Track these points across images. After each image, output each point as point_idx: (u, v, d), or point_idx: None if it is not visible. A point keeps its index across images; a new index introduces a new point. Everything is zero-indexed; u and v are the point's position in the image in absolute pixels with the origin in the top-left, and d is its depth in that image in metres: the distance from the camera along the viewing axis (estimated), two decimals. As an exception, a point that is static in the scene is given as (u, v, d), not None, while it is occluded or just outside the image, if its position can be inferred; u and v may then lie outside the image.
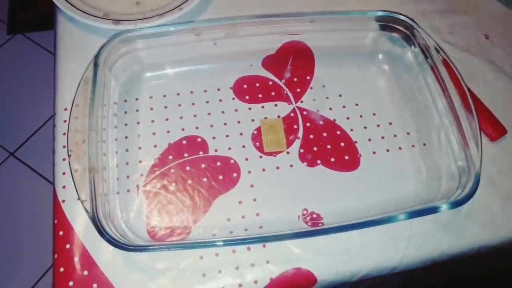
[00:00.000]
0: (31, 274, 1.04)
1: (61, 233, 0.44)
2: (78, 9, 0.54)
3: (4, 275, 1.05)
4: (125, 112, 0.50)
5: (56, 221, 0.45)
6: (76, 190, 0.40)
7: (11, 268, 1.05)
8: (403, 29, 0.51)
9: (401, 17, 0.51)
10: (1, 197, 1.14)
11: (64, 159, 0.47)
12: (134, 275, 0.42)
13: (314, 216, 0.46)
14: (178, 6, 0.55)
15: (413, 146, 0.50)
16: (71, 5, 0.54)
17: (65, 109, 0.50)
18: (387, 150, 0.50)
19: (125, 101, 0.51)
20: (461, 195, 0.42)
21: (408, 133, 0.51)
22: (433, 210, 0.41)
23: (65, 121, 0.49)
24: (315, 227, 0.45)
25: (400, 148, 0.50)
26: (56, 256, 0.44)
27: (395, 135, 0.51)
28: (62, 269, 0.42)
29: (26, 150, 1.20)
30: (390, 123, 0.51)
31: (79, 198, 0.40)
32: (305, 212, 0.46)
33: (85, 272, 0.42)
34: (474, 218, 0.46)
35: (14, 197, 1.14)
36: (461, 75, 0.50)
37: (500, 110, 0.52)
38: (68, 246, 0.44)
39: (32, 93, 1.27)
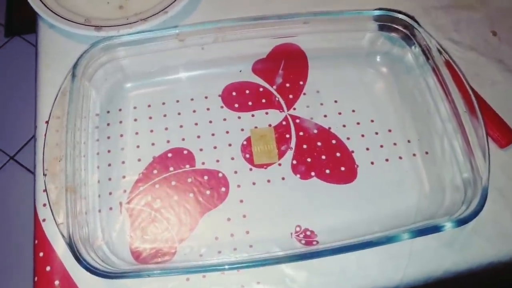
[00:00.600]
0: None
1: (41, 254, 0.42)
2: (59, 15, 0.51)
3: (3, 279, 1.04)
4: (108, 124, 0.48)
5: (36, 242, 0.43)
6: (52, 213, 0.38)
7: (11, 270, 1.05)
8: (402, 29, 0.48)
9: (400, 16, 0.47)
10: (1, 201, 1.13)
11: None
12: (117, 299, 0.40)
13: (308, 233, 0.43)
14: (163, 9, 0.52)
15: (414, 155, 0.47)
16: (51, 11, 0.52)
17: (46, 122, 0.47)
18: (387, 160, 0.46)
19: (108, 112, 0.48)
20: (466, 211, 0.38)
21: (409, 141, 0.47)
22: (437, 229, 0.38)
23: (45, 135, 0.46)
24: (309, 246, 0.42)
25: (400, 158, 0.46)
26: (36, 278, 0.42)
27: (395, 144, 0.47)
28: (42, 293, 0.40)
29: (26, 153, 1.19)
30: (390, 130, 0.48)
31: (55, 221, 0.37)
32: (298, 229, 0.43)
33: (66, 296, 0.40)
34: (482, 233, 0.43)
35: (14, 201, 1.13)
36: (466, 77, 0.46)
37: (510, 114, 0.48)
38: (48, 268, 0.41)
39: (31, 95, 1.25)
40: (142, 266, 0.41)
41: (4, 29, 1.36)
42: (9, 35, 1.35)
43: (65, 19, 0.51)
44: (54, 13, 0.51)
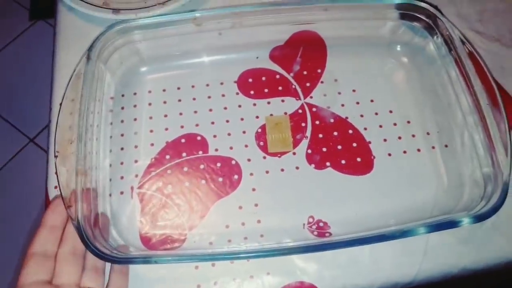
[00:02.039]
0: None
1: (51, 236, 0.42)
2: (77, -3, 0.51)
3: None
4: (122, 108, 0.47)
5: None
6: (62, 196, 0.37)
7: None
8: (424, 18, 0.46)
9: (423, 5, 0.45)
10: (23, 182, 1.15)
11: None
12: (125, 283, 0.40)
13: (321, 224, 0.42)
14: (182, -7, 0.51)
15: (433, 147, 0.45)
16: (70, -8, 0.51)
17: (60, 104, 0.47)
18: (404, 152, 0.45)
19: (123, 95, 0.48)
20: (485, 207, 0.37)
21: (428, 133, 0.46)
22: (454, 224, 0.36)
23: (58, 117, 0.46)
24: (321, 238, 0.41)
25: (418, 150, 0.45)
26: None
27: (413, 135, 0.46)
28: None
29: (46, 136, 1.20)
30: (408, 122, 0.46)
31: (64, 204, 0.37)
32: (311, 220, 0.42)
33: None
34: (501, 230, 0.42)
35: (35, 182, 1.14)
36: (490, 69, 0.44)
37: (534, 108, 0.46)
38: (58, 250, 0.41)
39: (52, 72, 1.27)
40: (150, 252, 0.40)
41: (28, 12, 1.37)
42: (33, 18, 1.36)
43: (83, 1, 0.51)
44: (73, -5, 0.51)
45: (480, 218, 0.36)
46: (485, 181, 0.40)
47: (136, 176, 0.44)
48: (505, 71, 0.48)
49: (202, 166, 0.45)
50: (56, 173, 0.39)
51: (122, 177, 0.44)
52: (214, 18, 0.46)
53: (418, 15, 0.47)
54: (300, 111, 0.47)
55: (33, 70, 1.29)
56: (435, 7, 0.48)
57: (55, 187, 0.44)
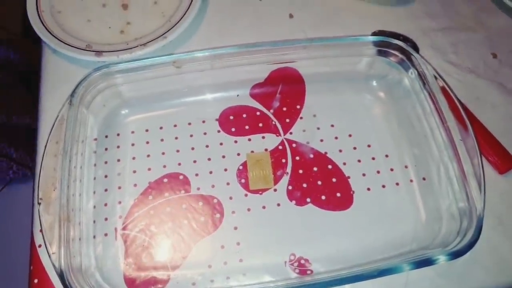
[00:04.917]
0: None
1: (36, 280, 0.42)
2: (61, 40, 0.52)
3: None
4: (106, 149, 0.48)
5: (32, 267, 0.43)
6: (44, 242, 0.38)
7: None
8: (399, 54, 0.47)
9: (397, 42, 0.47)
10: (8, 217, 1.14)
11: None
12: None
13: (302, 262, 0.42)
14: (162, 34, 0.52)
15: (411, 181, 0.46)
16: (54, 36, 0.53)
17: (45, 147, 0.48)
18: (383, 186, 0.46)
19: (106, 137, 0.49)
20: (461, 243, 0.38)
21: (406, 166, 0.47)
22: (430, 262, 0.37)
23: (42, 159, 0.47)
24: (303, 275, 0.42)
25: (397, 184, 0.46)
26: (31, 305, 0.42)
27: (391, 169, 0.47)
28: (34, 321, 0.40)
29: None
30: (387, 156, 0.47)
31: (48, 251, 0.38)
32: (292, 257, 0.43)
33: (59, 326, 0.40)
34: (480, 262, 0.42)
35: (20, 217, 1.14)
36: (465, 100, 0.46)
37: (510, 139, 0.47)
38: (43, 295, 0.42)
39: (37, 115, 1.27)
40: (134, 295, 0.41)
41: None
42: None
43: (67, 44, 0.52)
44: (56, 38, 0.52)
45: (456, 254, 0.37)
46: (461, 216, 0.41)
47: (120, 217, 0.45)
48: (480, 102, 0.50)
49: (184, 206, 0.45)
50: (39, 220, 0.40)
51: (106, 219, 0.45)
52: (194, 60, 0.47)
53: (393, 51, 0.48)
54: (280, 147, 0.48)
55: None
56: (410, 41, 0.50)
57: (40, 231, 0.44)
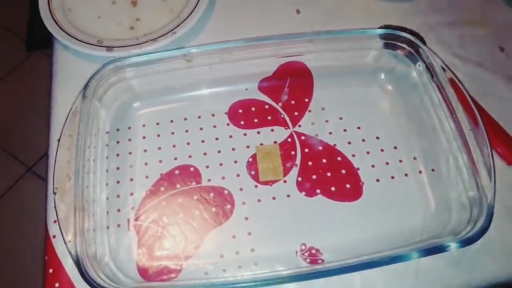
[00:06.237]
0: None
1: (50, 270, 0.43)
2: (72, 37, 0.53)
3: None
4: (117, 142, 0.49)
5: (46, 258, 0.44)
6: (61, 231, 0.38)
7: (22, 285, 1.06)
8: (406, 47, 0.48)
9: (405, 34, 0.47)
10: (20, 211, 1.15)
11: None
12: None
13: (313, 251, 0.43)
14: (172, 30, 0.53)
15: (420, 172, 0.46)
16: (65, 32, 0.53)
17: (58, 140, 0.49)
18: (392, 177, 0.46)
19: (118, 130, 0.50)
20: (472, 231, 0.38)
21: (414, 158, 0.47)
22: (442, 249, 0.37)
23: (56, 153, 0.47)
24: (314, 265, 0.42)
25: (406, 175, 0.46)
26: (45, 295, 0.42)
27: (400, 161, 0.47)
28: (50, 309, 0.41)
29: (44, 165, 1.22)
30: (395, 147, 0.48)
31: (64, 239, 0.38)
32: (303, 247, 0.43)
33: (74, 314, 0.40)
34: (490, 252, 0.42)
35: (32, 211, 1.15)
36: (473, 93, 0.46)
37: (518, 130, 0.47)
38: (57, 284, 0.42)
39: (50, 109, 1.29)
40: (147, 284, 0.41)
41: (26, 43, 1.40)
42: (31, 49, 1.39)
43: (78, 40, 0.53)
44: (68, 34, 0.53)
45: (467, 242, 0.37)
46: (471, 205, 0.41)
47: (132, 208, 0.45)
48: (487, 95, 0.50)
49: (195, 197, 0.46)
50: (55, 208, 0.41)
51: (118, 210, 0.45)
52: (204, 54, 0.48)
53: (401, 44, 0.48)
54: (289, 139, 0.49)
55: (31, 100, 1.31)
56: (417, 35, 0.50)
57: (54, 221, 0.45)
